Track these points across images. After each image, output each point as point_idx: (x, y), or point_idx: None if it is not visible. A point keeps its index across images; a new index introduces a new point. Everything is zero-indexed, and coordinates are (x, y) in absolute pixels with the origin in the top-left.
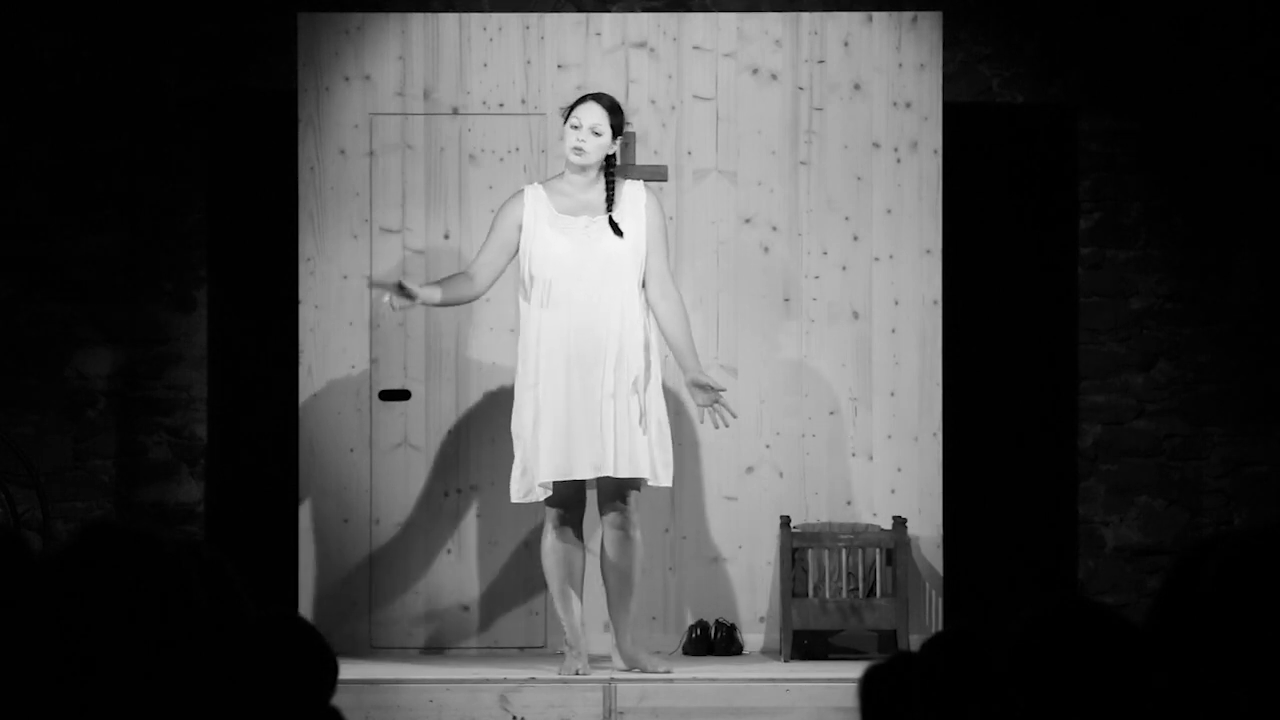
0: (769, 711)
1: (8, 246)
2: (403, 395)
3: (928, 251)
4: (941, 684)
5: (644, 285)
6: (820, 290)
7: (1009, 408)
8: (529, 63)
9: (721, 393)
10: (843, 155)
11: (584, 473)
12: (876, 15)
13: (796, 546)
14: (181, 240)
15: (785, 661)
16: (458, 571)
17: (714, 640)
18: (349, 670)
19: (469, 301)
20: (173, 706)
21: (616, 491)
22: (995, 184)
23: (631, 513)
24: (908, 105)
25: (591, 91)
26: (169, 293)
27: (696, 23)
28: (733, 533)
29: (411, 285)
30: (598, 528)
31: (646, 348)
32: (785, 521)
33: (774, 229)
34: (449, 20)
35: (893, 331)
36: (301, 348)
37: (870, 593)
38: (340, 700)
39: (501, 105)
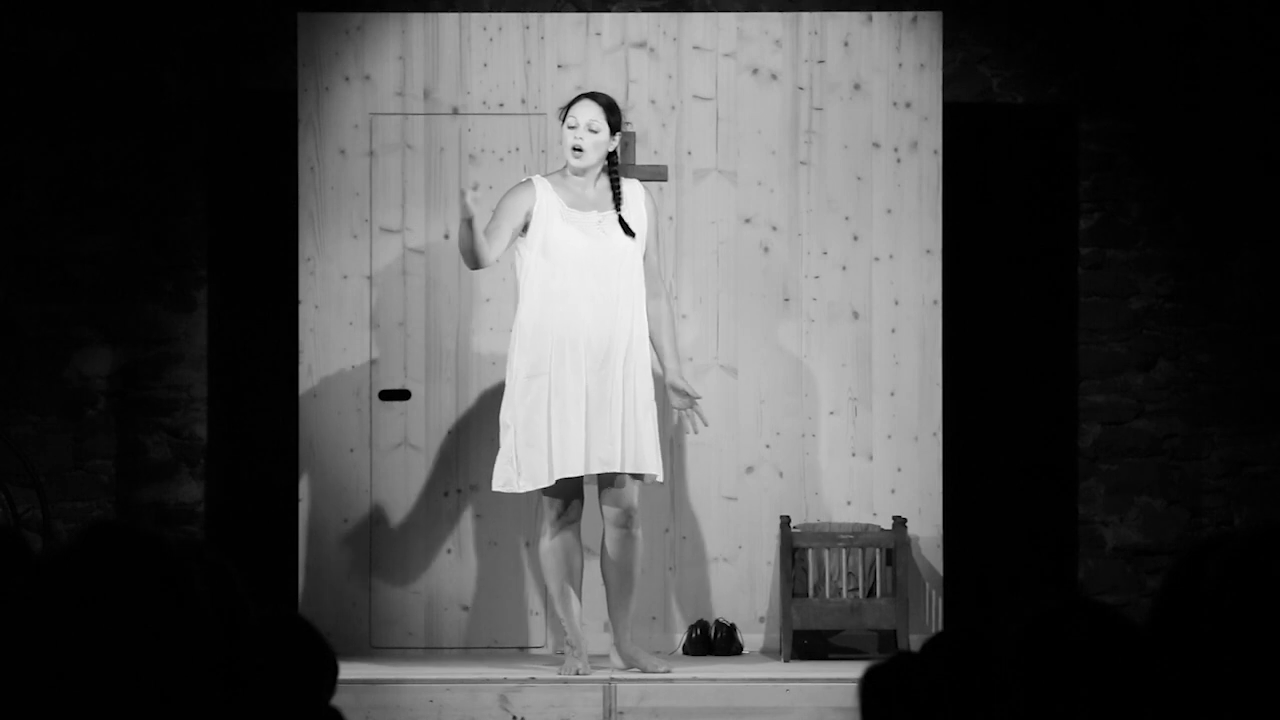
0: (769, 711)
1: (8, 246)
2: (403, 395)
3: (928, 251)
4: (941, 684)
5: None
6: (820, 290)
7: (1009, 408)
8: (529, 63)
9: (697, 400)
10: (843, 155)
11: (597, 467)
12: (876, 15)
13: (796, 546)
14: (181, 240)
15: (785, 661)
16: (458, 571)
17: (714, 640)
18: (349, 670)
19: (471, 263)
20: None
21: (620, 488)
22: (995, 184)
23: (635, 509)
24: (908, 105)
25: (587, 90)
26: (169, 293)
27: (696, 23)
28: (733, 533)
29: (472, 205)
30: (595, 527)
31: (645, 345)
32: (785, 521)
33: (774, 229)
34: (449, 20)
35: (893, 331)
36: (301, 348)
37: (870, 593)
38: (340, 700)
39: (501, 105)
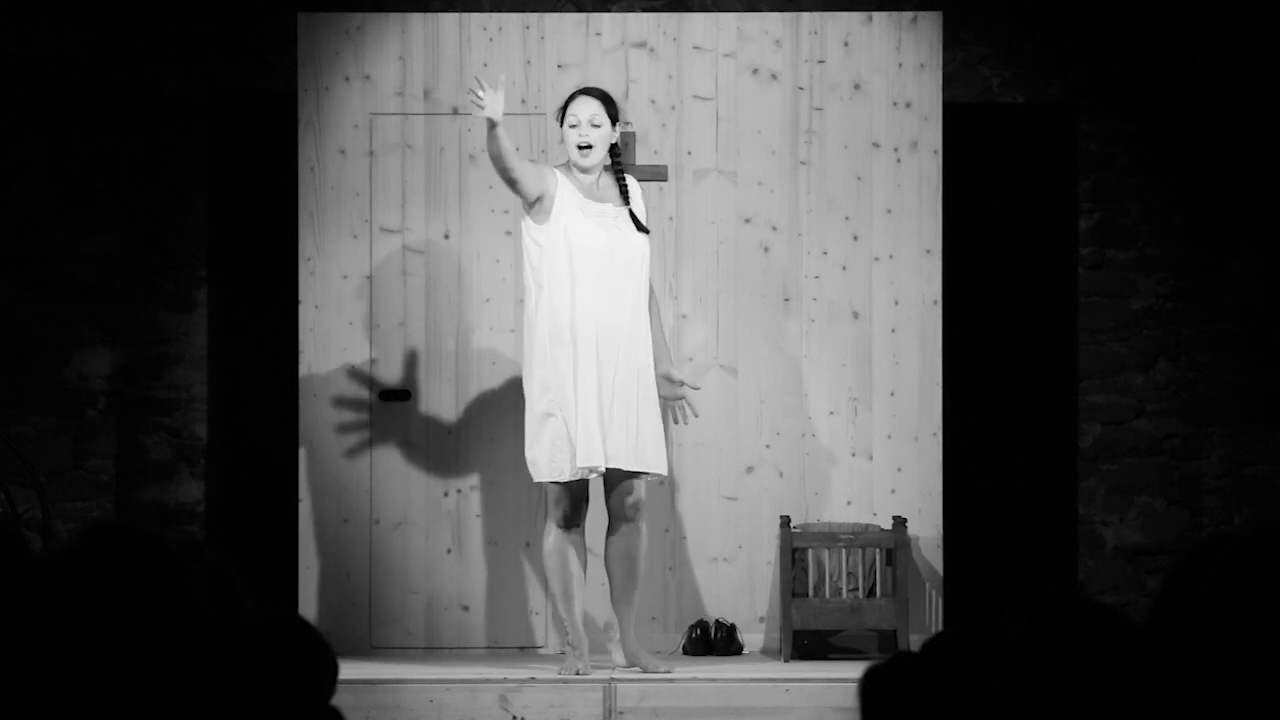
0: (769, 711)
1: (8, 246)
2: (403, 395)
3: (928, 251)
4: (941, 684)
5: None
6: (820, 290)
7: (1009, 408)
8: (529, 63)
9: (693, 390)
10: (843, 155)
11: (613, 461)
12: (876, 15)
13: (796, 546)
14: (181, 240)
15: (785, 661)
16: (458, 571)
17: (714, 640)
18: (349, 670)
19: (501, 171)
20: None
21: (628, 483)
22: (995, 184)
23: (641, 504)
24: (908, 105)
25: (581, 87)
26: (169, 293)
27: (696, 23)
28: (733, 533)
29: (484, 106)
30: (596, 528)
31: (649, 340)
32: (785, 521)
33: (774, 229)
34: (449, 20)
35: (893, 331)
36: (301, 348)
37: (870, 593)
38: (340, 700)
39: None
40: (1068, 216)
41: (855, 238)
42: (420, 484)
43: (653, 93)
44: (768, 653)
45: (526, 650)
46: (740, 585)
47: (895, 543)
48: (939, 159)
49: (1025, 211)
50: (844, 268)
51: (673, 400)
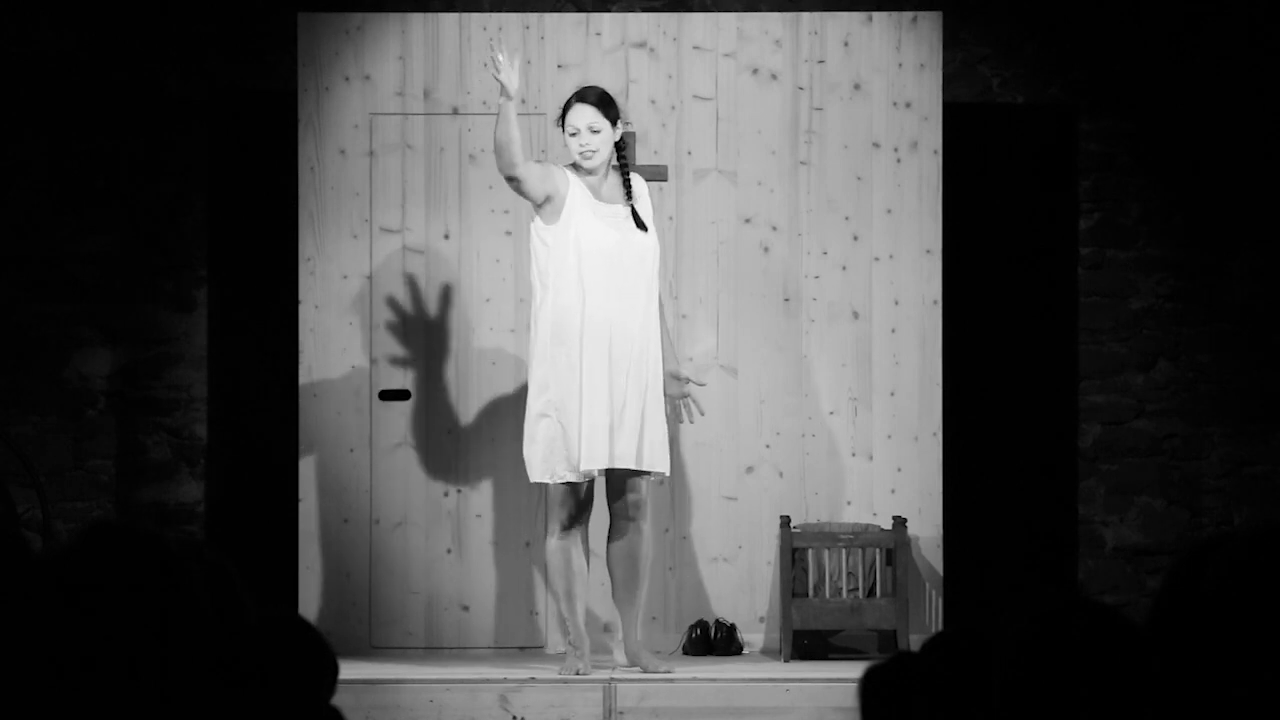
0: (769, 711)
1: (8, 246)
2: (403, 395)
3: (928, 251)
4: (941, 684)
5: None
6: (820, 290)
7: (1009, 408)
8: (529, 63)
9: (699, 386)
10: (843, 155)
11: (617, 462)
12: (876, 15)
13: (796, 546)
14: (181, 240)
15: (785, 661)
16: (458, 571)
17: (714, 640)
18: (349, 670)
19: (505, 159)
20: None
21: (631, 483)
22: (995, 184)
23: (644, 503)
24: (908, 105)
25: (576, 91)
26: (169, 293)
27: (696, 23)
28: (733, 533)
29: (512, 82)
30: (596, 528)
31: (657, 340)
32: (785, 521)
33: (774, 229)
34: (449, 20)
35: (893, 331)
36: (301, 348)
37: (870, 593)
38: (340, 700)
39: None
40: (1068, 216)
41: (855, 238)
42: (420, 484)
43: (653, 93)
44: (768, 653)
45: (527, 650)
46: (740, 585)
47: (895, 543)
48: (939, 159)
49: (1025, 211)
50: (844, 268)
51: (679, 399)
